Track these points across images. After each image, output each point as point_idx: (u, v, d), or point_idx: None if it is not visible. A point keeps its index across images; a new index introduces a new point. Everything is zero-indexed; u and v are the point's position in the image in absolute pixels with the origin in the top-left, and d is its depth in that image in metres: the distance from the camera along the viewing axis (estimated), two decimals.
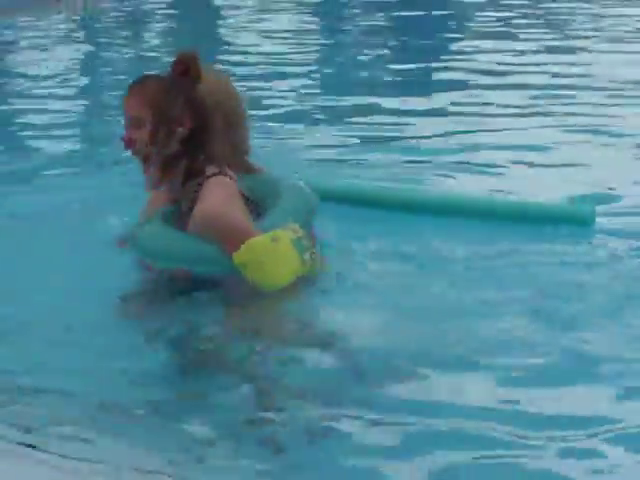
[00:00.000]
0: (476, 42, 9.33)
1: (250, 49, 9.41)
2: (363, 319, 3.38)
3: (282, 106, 7.04)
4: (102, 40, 10.84)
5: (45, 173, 5.58)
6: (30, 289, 3.70)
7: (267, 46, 9.54)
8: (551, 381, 3.11)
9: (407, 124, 6.49)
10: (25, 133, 6.72)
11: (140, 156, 3.48)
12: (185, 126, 3.47)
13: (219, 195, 3.41)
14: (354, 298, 3.55)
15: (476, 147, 5.81)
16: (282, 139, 6.15)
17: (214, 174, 3.47)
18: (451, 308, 3.52)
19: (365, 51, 9.50)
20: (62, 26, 11.48)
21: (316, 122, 6.65)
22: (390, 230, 4.33)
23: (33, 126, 6.80)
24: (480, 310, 3.52)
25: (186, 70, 3.48)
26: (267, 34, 10.21)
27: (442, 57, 8.86)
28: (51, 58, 9.32)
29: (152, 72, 3.68)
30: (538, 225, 4.35)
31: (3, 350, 3.38)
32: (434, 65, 8.50)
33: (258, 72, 8.21)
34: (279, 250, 3.34)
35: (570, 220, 4.37)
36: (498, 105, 6.88)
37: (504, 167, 5.43)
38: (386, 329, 3.35)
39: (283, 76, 8.03)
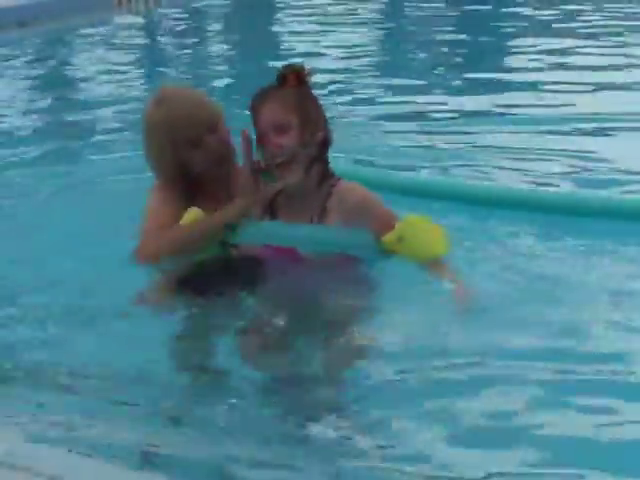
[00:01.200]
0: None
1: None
2: None
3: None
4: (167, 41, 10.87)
5: None
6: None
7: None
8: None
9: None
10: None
11: (284, 160, 3.57)
12: (322, 130, 3.62)
13: (363, 188, 3.64)
14: None
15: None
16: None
17: (340, 178, 3.67)
18: None
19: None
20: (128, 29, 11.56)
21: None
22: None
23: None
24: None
25: (302, 79, 3.59)
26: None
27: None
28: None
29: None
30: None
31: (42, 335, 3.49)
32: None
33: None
34: (436, 228, 3.57)
35: None
36: None
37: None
38: None
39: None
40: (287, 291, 3.69)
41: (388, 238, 3.55)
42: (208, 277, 3.68)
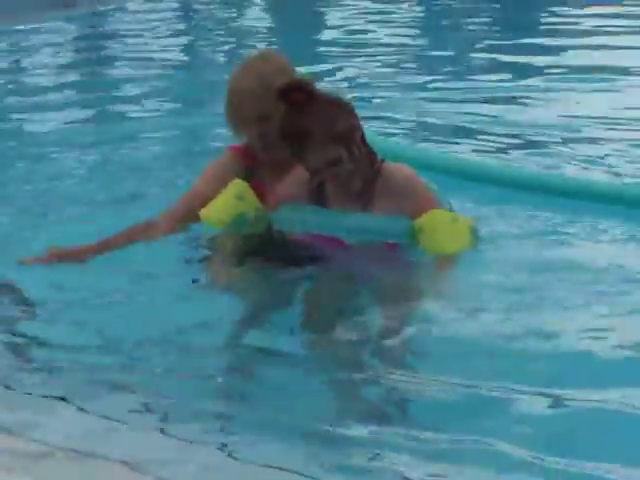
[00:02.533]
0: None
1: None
2: None
3: None
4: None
5: None
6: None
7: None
8: None
9: None
10: None
11: (345, 181, 3.65)
12: (357, 130, 3.63)
13: (408, 169, 3.71)
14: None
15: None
16: None
17: (383, 159, 3.72)
18: None
19: None
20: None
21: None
22: None
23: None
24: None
25: (311, 94, 3.59)
26: None
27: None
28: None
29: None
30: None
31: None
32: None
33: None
34: (456, 228, 3.66)
35: None
36: None
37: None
38: None
39: None
40: (337, 273, 3.74)
41: (413, 225, 3.65)
42: (263, 256, 3.76)
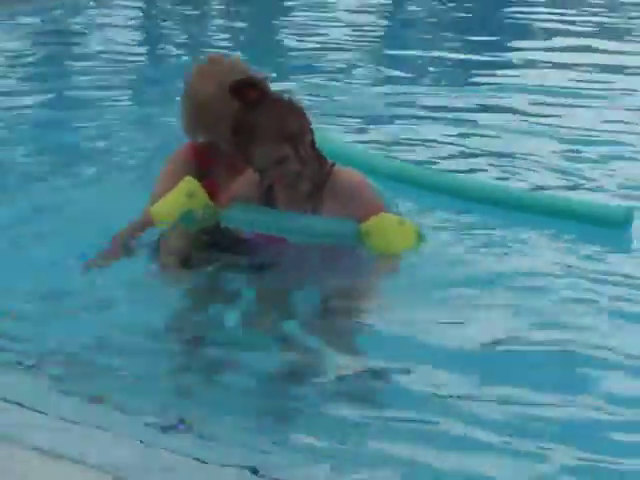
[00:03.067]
0: None
1: None
2: None
3: None
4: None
5: None
6: None
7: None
8: None
9: None
10: None
11: (290, 182, 3.71)
12: (307, 133, 3.70)
13: (356, 174, 3.79)
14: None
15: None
16: None
17: (333, 163, 3.79)
18: None
19: None
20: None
21: None
22: None
23: None
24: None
25: (263, 92, 3.66)
26: None
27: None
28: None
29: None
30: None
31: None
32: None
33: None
34: (402, 230, 3.75)
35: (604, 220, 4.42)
36: None
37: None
38: None
39: None
40: (284, 272, 3.83)
41: (360, 228, 3.73)
42: (210, 253, 3.83)
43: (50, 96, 7.32)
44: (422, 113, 6.63)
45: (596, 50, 8.50)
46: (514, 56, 8.59)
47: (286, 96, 3.75)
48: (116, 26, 10.16)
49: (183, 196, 3.81)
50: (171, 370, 3.34)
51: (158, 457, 2.67)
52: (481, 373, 3.20)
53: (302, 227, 3.78)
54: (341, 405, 3.05)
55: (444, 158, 5.59)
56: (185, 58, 8.87)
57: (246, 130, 3.61)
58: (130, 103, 7.26)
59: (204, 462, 2.63)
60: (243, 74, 3.74)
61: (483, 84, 7.55)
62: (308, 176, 3.69)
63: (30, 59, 8.68)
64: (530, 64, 8.16)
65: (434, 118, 6.46)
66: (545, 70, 7.87)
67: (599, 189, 5.00)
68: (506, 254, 4.14)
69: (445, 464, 2.75)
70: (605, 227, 4.39)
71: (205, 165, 3.93)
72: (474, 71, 8.07)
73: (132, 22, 10.69)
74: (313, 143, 3.72)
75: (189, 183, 3.83)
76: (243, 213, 3.84)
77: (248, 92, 3.63)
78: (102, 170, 5.38)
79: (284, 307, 3.74)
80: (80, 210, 4.54)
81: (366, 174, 3.85)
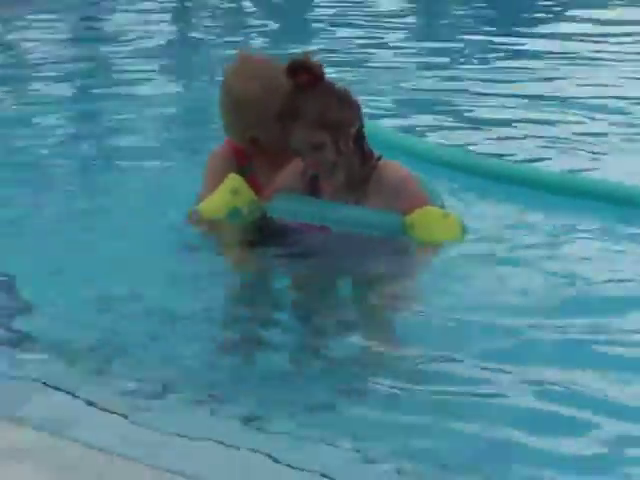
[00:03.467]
0: None
1: None
2: None
3: None
4: None
5: None
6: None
7: None
8: None
9: None
10: None
11: (325, 171, 3.75)
12: (353, 125, 3.71)
13: (401, 168, 3.83)
14: None
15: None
16: None
17: (380, 157, 3.83)
18: None
19: None
20: None
21: None
22: None
23: None
24: None
25: (318, 78, 3.68)
26: None
27: None
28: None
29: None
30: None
31: None
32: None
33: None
34: (446, 223, 3.82)
35: None
36: None
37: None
38: None
39: None
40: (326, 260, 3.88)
41: (405, 220, 3.78)
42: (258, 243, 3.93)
43: (92, 81, 7.47)
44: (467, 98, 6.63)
45: None
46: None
47: (341, 86, 3.78)
48: None
49: (228, 193, 3.87)
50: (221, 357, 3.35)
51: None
52: (519, 361, 3.20)
53: (346, 217, 3.84)
54: (381, 389, 3.06)
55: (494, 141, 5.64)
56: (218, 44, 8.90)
57: (290, 111, 3.65)
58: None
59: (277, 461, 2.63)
60: (278, 69, 3.77)
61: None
62: (344, 168, 3.72)
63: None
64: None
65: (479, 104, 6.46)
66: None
67: None
68: (551, 244, 4.11)
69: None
70: None
71: (245, 162, 3.98)
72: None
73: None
74: (359, 137, 3.75)
75: (233, 180, 3.88)
76: (288, 203, 3.90)
77: (302, 74, 3.65)
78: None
79: (323, 293, 3.80)
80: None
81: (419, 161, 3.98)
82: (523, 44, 8.31)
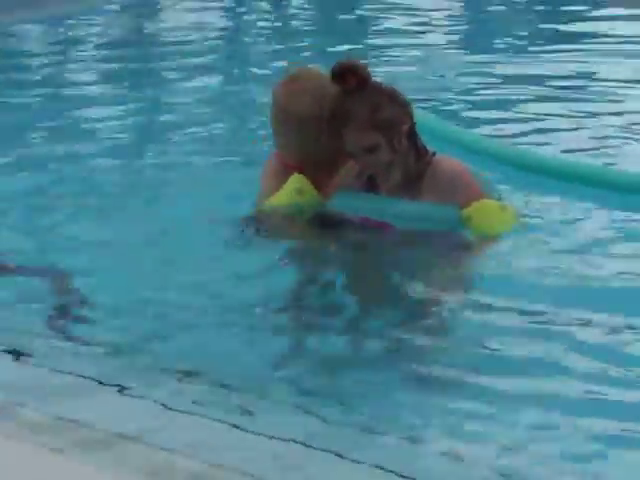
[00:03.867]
0: None
1: None
2: None
3: None
4: None
5: None
6: None
7: None
8: None
9: None
10: None
11: (381, 172, 3.79)
12: (405, 123, 3.73)
13: (456, 163, 3.87)
14: None
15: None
16: None
17: (434, 152, 3.85)
18: None
19: None
20: None
21: None
22: None
23: None
24: None
25: (365, 80, 3.69)
26: None
27: None
28: None
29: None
30: None
31: None
32: None
33: None
34: (504, 216, 3.85)
35: None
36: None
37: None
38: None
39: None
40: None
41: (462, 214, 3.82)
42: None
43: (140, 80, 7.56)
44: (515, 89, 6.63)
45: None
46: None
47: (388, 86, 3.79)
48: None
49: (293, 193, 3.91)
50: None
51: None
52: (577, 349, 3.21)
53: (404, 211, 3.87)
54: (440, 376, 3.11)
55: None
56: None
57: (341, 115, 3.66)
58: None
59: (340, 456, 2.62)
60: (330, 85, 3.75)
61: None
62: (400, 166, 3.75)
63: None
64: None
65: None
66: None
67: None
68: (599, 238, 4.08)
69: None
70: None
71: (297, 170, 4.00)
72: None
73: None
74: (411, 134, 3.76)
75: (298, 180, 3.93)
76: (349, 200, 3.93)
77: (349, 78, 3.66)
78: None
79: (381, 285, 3.85)
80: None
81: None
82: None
